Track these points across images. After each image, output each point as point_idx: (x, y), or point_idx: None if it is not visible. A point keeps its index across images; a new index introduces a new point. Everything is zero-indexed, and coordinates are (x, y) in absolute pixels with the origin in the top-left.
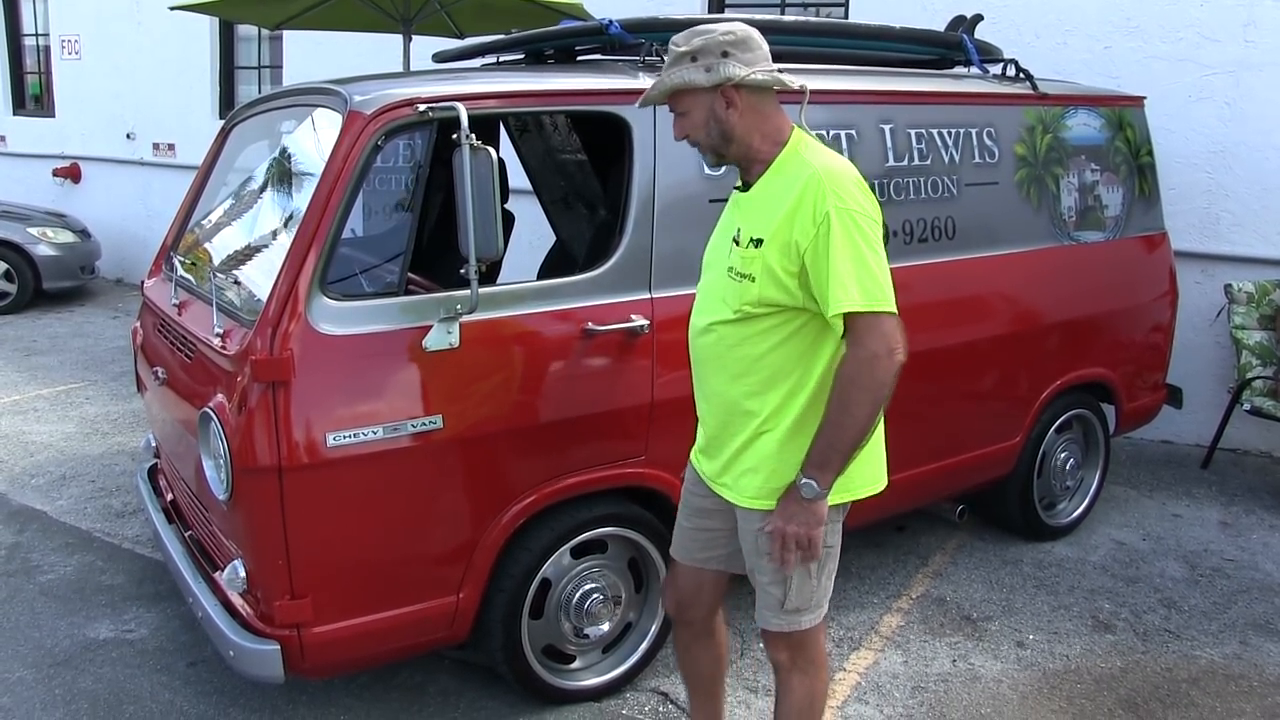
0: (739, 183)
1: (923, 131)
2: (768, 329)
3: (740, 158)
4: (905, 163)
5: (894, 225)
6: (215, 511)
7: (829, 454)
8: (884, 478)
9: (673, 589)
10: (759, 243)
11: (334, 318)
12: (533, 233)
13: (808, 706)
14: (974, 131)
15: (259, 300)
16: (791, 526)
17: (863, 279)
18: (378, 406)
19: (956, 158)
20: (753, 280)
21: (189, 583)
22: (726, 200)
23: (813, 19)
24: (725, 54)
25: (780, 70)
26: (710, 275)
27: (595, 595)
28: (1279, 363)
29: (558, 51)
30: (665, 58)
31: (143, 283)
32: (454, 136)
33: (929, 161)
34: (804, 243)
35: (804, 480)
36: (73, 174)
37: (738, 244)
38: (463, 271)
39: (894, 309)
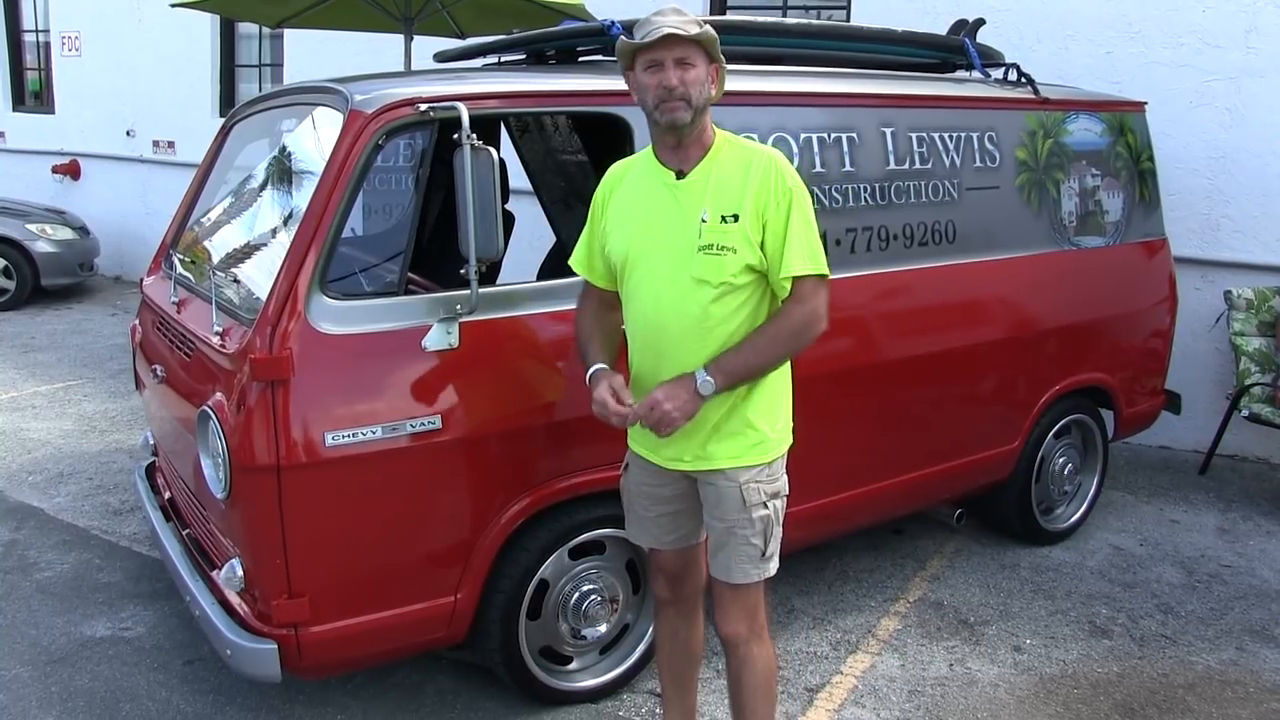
0: (674, 170)
1: (924, 135)
2: (742, 302)
3: (693, 133)
4: (906, 166)
5: (894, 228)
6: (213, 510)
7: (739, 371)
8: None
9: (662, 571)
10: (735, 218)
11: (333, 317)
12: (533, 233)
13: (770, 673)
14: (975, 135)
15: (258, 299)
16: (669, 405)
17: (814, 248)
18: (376, 406)
19: (957, 162)
20: (734, 251)
21: (186, 581)
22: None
23: (815, 22)
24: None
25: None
26: (662, 262)
27: (593, 597)
28: (1278, 369)
29: (559, 52)
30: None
31: (142, 280)
32: (455, 136)
33: (930, 165)
34: (767, 215)
35: (705, 378)
36: (72, 171)
37: (706, 222)
38: (463, 272)
39: (828, 274)
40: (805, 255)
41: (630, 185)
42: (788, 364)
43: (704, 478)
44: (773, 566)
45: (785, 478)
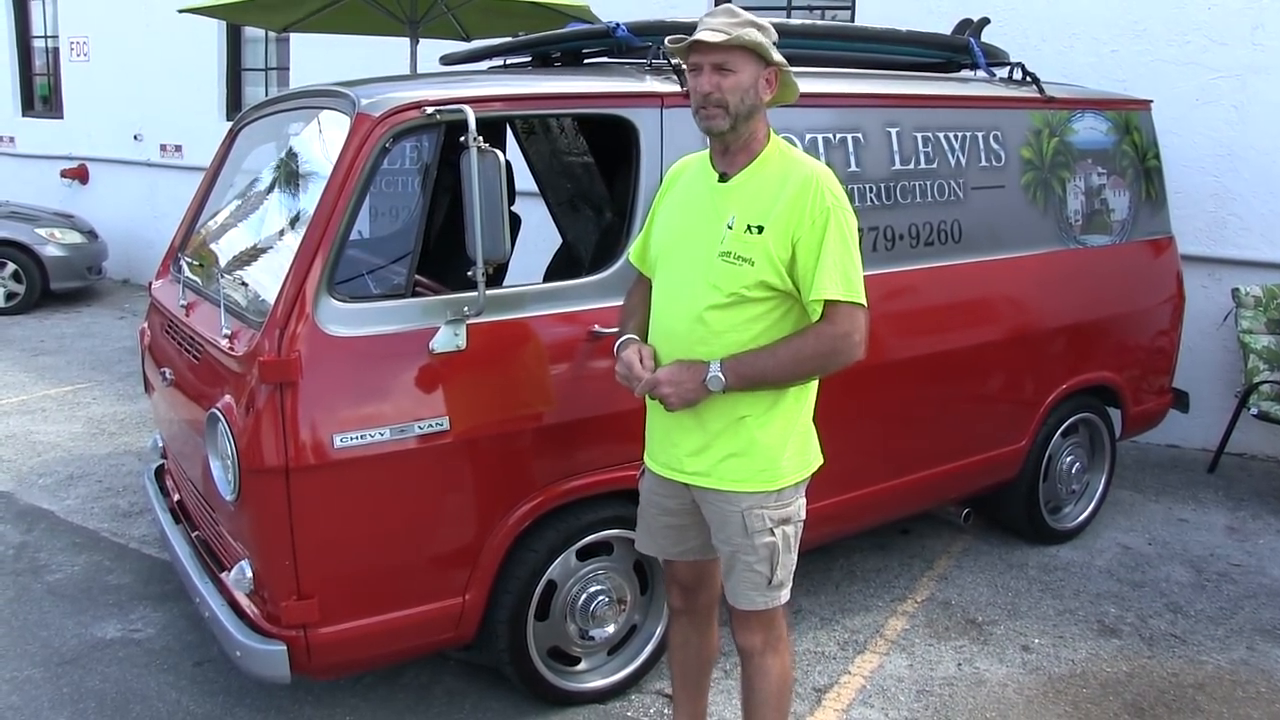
0: (719, 173)
1: (929, 135)
2: (758, 315)
3: (739, 139)
4: (911, 166)
5: (900, 228)
6: (222, 512)
7: (753, 376)
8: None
9: (676, 582)
10: (760, 229)
11: (341, 319)
12: (539, 235)
13: (784, 685)
14: (980, 135)
15: (266, 301)
16: (668, 390)
17: (848, 273)
18: (384, 408)
19: (963, 161)
20: (752, 264)
21: (196, 583)
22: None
23: (819, 22)
24: (775, 43)
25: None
26: (685, 261)
27: (601, 597)
28: None
29: (564, 54)
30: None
31: (150, 284)
32: (461, 139)
33: (935, 165)
34: (799, 234)
35: (716, 373)
36: (80, 175)
37: (731, 229)
38: (470, 274)
39: (866, 305)
40: (839, 279)
41: (684, 183)
42: (811, 392)
43: (702, 495)
44: (783, 595)
45: (801, 503)
